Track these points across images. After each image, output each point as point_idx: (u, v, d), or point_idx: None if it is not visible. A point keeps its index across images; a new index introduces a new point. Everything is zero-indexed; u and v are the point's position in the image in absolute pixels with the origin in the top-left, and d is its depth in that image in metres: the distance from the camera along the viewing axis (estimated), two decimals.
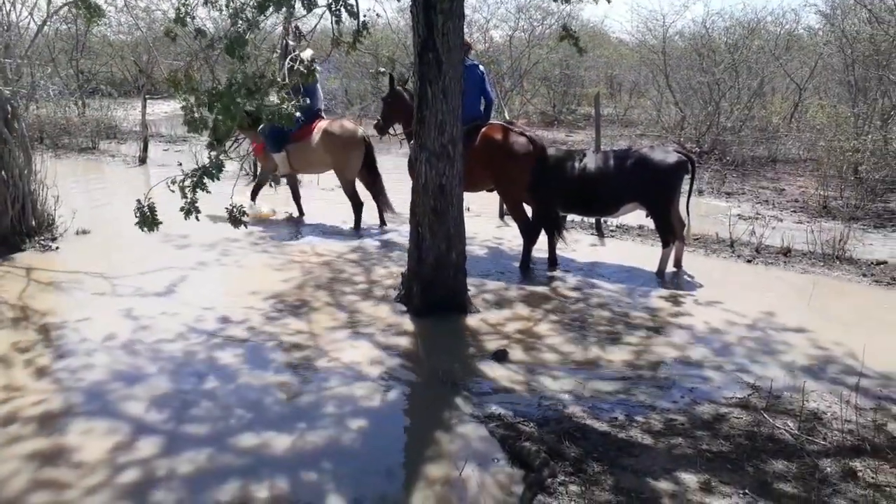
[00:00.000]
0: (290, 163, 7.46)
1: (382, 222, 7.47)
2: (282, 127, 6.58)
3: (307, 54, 7.73)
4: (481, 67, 6.47)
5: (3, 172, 6.14)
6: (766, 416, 3.53)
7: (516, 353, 4.32)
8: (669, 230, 5.90)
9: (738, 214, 8.19)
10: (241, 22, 4.15)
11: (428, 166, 4.80)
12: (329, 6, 4.40)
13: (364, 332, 4.64)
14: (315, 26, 4.88)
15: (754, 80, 13.15)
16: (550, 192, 5.97)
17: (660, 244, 6.01)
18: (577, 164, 5.92)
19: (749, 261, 6.36)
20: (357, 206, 7.33)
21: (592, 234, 7.23)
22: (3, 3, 6.38)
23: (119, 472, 3.00)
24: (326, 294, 5.35)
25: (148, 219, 3.92)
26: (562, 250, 6.46)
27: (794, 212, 8.64)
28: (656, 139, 13.98)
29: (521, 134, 6.08)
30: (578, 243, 6.91)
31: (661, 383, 3.96)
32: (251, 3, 4.14)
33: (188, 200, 3.92)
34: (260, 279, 5.63)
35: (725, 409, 3.65)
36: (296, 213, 7.91)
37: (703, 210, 8.66)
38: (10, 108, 6.19)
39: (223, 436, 3.31)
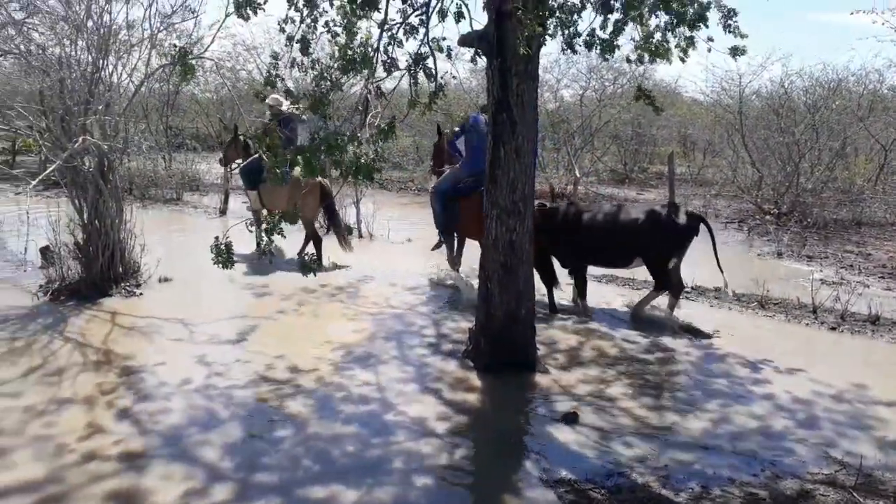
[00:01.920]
0: (260, 200, 8.44)
1: (348, 247, 8.24)
2: (257, 167, 7.79)
3: (285, 106, 8.21)
4: None
5: (96, 222, 6.51)
6: (855, 495, 3.30)
7: (587, 415, 4.20)
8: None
9: (821, 279, 7.85)
10: (324, 83, 4.36)
11: (499, 223, 4.83)
12: (408, 68, 4.57)
13: (432, 386, 4.62)
14: (394, 88, 5.05)
15: (836, 140, 12.76)
16: (559, 247, 6.34)
17: (737, 308, 5.87)
18: (585, 220, 6.25)
19: (833, 328, 6.06)
20: (317, 241, 8.19)
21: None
22: (107, 65, 6.88)
23: None
24: (395, 346, 5.38)
25: (223, 256, 4.08)
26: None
27: (882, 277, 8.21)
28: (732, 199, 13.67)
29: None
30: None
31: (742, 454, 3.77)
32: (335, 66, 4.35)
33: (265, 243, 4.11)
34: (332, 330, 5.71)
35: (811, 486, 3.43)
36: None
37: (782, 273, 8.35)
38: (106, 162, 6.60)
39: (292, 486, 3.32)
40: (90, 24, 6.50)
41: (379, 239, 9.62)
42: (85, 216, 6.48)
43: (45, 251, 7.18)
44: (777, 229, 11.23)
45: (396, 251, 9.03)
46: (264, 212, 8.44)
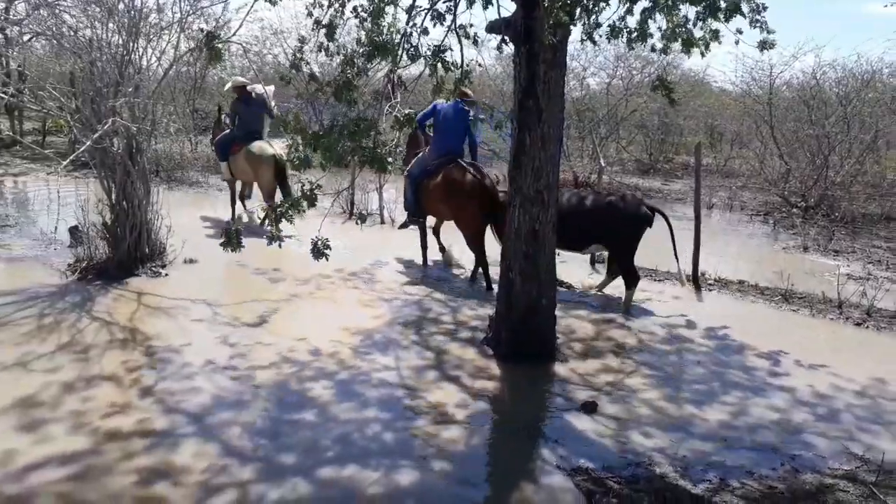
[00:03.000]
0: (230, 170, 9.27)
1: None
2: (228, 141, 9.03)
3: (270, 89, 9.24)
4: (472, 112, 6.91)
5: (124, 203, 6.61)
6: (876, 491, 3.28)
7: (606, 405, 4.21)
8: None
9: (848, 274, 7.74)
10: (349, 69, 4.37)
11: (522, 211, 4.83)
12: (430, 58, 4.55)
13: (451, 373, 4.65)
14: (420, 75, 5.05)
15: (867, 133, 12.52)
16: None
17: (761, 301, 5.83)
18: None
19: (858, 324, 5.99)
20: (242, 201, 9.48)
21: (689, 287, 7.01)
22: (137, 48, 6.95)
23: (216, 493, 3.13)
24: (414, 332, 5.42)
25: (233, 240, 4.15)
26: (658, 302, 6.52)
27: None
28: (759, 191, 13.50)
29: (476, 176, 6.55)
30: (677, 296, 6.72)
31: (760, 447, 3.76)
32: (361, 52, 4.36)
33: (273, 229, 4.16)
34: (350, 314, 5.76)
35: (831, 481, 3.42)
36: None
37: (807, 267, 8.26)
38: (134, 144, 6.69)
39: (312, 467, 3.38)
40: (121, 6, 6.57)
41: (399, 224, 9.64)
42: (113, 197, 6.58)
43: (73, 231, 7.31)
44: (804, 223, 11.08)
45: (416, 238, 9.04)
46: (238, 184, 9.53)
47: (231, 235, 4.19)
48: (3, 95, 6.84)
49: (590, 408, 4.14)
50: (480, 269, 6.82)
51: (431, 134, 7.19)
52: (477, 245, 6.71)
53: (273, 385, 4.33)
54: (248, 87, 9.09)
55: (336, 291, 6.44)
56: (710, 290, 6.98)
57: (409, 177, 7.38)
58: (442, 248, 7.73)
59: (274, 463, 3.41)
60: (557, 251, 5.46)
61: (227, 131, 9.34)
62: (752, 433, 3.94)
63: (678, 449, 3.70)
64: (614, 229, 6.27)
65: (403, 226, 7.98)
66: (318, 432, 3.75)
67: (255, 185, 9.48)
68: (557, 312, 5.06)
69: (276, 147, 8.88)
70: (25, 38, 9.48)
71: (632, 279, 6.26)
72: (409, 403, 4.17)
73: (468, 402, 4.22)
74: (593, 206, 6.34)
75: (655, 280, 7.25)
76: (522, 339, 4.87)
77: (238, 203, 9.50)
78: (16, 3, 12.55)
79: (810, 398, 4.45)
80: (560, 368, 4.80)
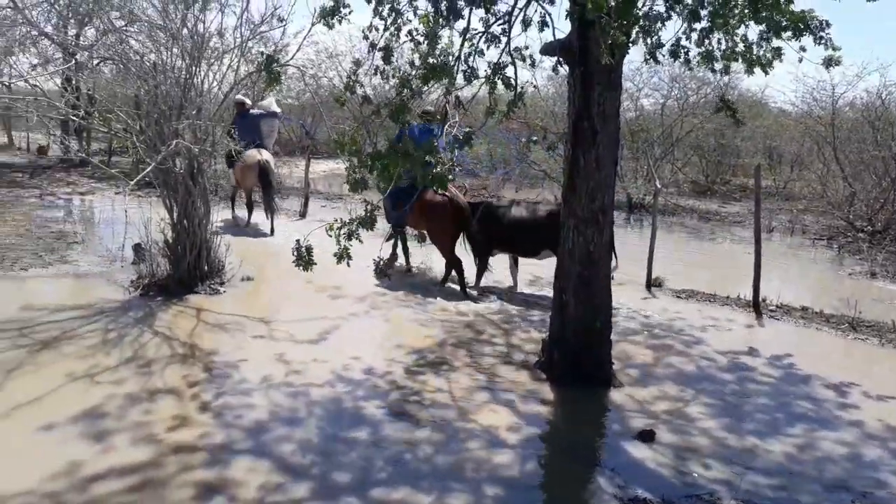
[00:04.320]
0: (235, 177, 10.60)
1: (272, 230, 10.07)
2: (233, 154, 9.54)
3: (268, 102, 10.90)
4: (435, 130, 7.23)
5: (185, 221, 6.80)
6: None
7: (663, 433, 4.10)
8: None
9: None
10: (405, 91, 4.42)
11: (576, 232, 4.78)
12: (487, 78, 4.57)
13: (503, 396, 4.60)
14: (473, 97, 5.08)
15: None
16: (478, 239, 7.36)
17: (827, 329, 5.72)
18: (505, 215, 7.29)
19: None
20: (250, 208, 10.59)
21: (750, 313, 6.81)
22: (199, 72, 7.19)
23: None
24: (466, 354, 5.39)
25: (304, 258, 4.18)
26: (718, 329, 6.30)
27: None
28: (821, 215, 13.06)
29: (449, 196, 7.19)
30: (737, 323, 6.53)
31: (829, 483, 3.59)
32: (416, 74, 4.40)
33: (342, 247, 4.18)
34: (403, 334, 5.78)
35: None
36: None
37: (875, 294, 7.93)
38: (196, 164, 6.89)
39: (365, 487, 3.38)
40: (185, 31, 6.81)
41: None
42: (174, 216, 6.78)
43: (136, 248, 7.55)
44: (870, 248, 10.65)
45: (467, 259, 9.04)
46: (241, 190, 10.83)
47: (302, 253, 4.23)
48: (74, 118, 7.16)
49: (647, 436, 4.02)
50: (455, 274, 7.37)
51: None
52: (449, 254, 7.38)
53: (327, 403, 4.35)
54: (247, 104, 10.71)
55: (391, 311, 6.48)
56: (772, 317, 6.75)
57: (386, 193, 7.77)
58: (395, 256, 8.19)
59: (328, 481, 3.42)
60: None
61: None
62: (819, 468, 3.77)
63: (740, 482, 3.57)
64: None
65: (388, 238, 8.27)
66: (371, 452, 3.75)
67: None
68: (613, 337, 4.96)
69: (264, 155, 10.29)
70: (94, 62, 9.95)
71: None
72: (461, 426, 4.13)
73: (521, 426, 4.16)
74: (546, 215, 6.93)
75: (716, 305, 7.07)
76: (576, 363, 4.79)
77: (242, 208, 10.79)
78: (86, 29, 13.21)
79: (881, 432, 4.24)
80: (616, 394, 4.70)
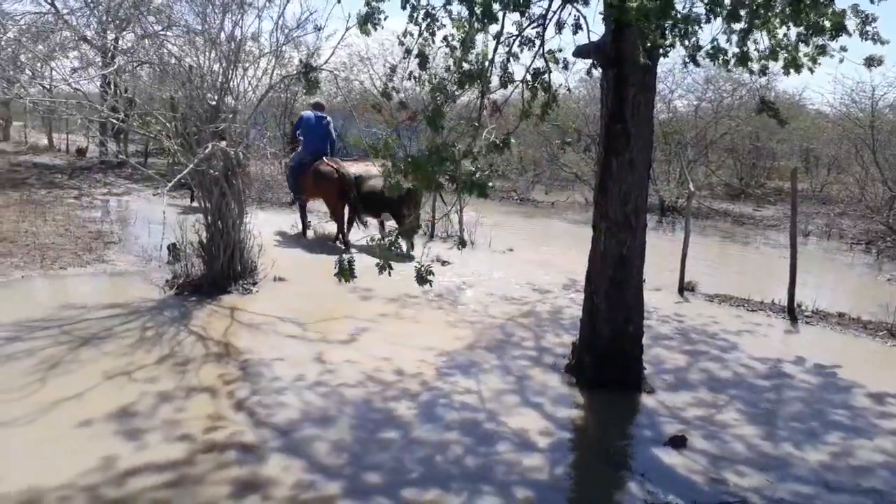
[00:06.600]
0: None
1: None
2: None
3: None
4: (328, 119, 9.80)
5: (219, 222, 6.91)
6: None
7: (696, 440, 4.06)
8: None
9: None
10: (440, 95, 4.44)
11: (608, 235, 4.75)
12: (525, 82, 4.57)
13: (533, 399, 4.60)
14: (506, 100, 5.08)
15: None
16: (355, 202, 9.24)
17: (865, 336, 5.59)
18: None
19: None
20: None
21: (785, 319, 6.70)
22: (235, 76, 7.31)
23: None
24: (496, 357, 5.39)
25: (346, 271, 4.20)
26: (753, 334, 6.23)
27: None
28: (859, 219, 12.79)
29: (335, 169, 9.13)
30: (772, 328, 6.43)
31: (867, 493, 3.53)
32: (451, 79, 4.43)
33: (382, 261, 4.19)
34: (434, 335, 5.80)
35: None
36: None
37: None
38: (231, 166, 7.00)
39: (395, 487, 3.40)
40: (222, 36, 6.93)
41: (480, 247, 9.66)
42: (209, 217, 6.90)
43: (172, 248, 7.69)
44: None
45: (497, 261, 9.04)
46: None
47: (344, 266, 4.25)
48: (114, 121, 7.32)
49: (679, 442, 3.99)
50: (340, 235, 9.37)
51: (301, 137, 9.76)
52: (337, 216, 9.39)
53: (359, 403, 4.39)
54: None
55: (421, 312, 6.51)
56: (808, 323, 6.64)
57: (290, 168, 10.10)
58: (307, 225, 10.06)
59: (359, 481, 3.46)
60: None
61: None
62: (856, 477, 3.70)
63: (775, 490, 3.52)
64: (395, 202, 8.38)
65: (292, 203, 10.54)
66: (401, 452, 3.78)
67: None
68: (646, 342, 4.93)
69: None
70: (133, 66, 10.16)
71: (411, 231, 7.18)
72: (491, 428, 4.14)
73: (551, 430, 4.15)
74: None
75: (750, 310, 6.97)
76: (607, 367, 4.76)
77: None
78: (125, 33, 13.49)
79: None
80: (647, 399, 4.66)
